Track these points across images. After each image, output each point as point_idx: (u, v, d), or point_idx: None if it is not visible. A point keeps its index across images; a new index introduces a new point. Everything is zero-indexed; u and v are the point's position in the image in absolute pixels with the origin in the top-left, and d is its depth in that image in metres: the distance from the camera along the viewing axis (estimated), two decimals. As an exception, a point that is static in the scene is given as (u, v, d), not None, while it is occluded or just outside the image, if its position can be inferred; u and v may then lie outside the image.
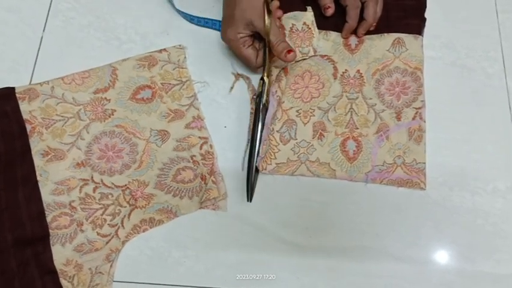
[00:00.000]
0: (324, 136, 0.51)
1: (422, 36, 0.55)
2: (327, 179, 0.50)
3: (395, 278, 0.47)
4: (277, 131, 0.51)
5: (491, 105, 0.54)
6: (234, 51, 0.52)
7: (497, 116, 0.53)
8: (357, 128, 0.51)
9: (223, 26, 0.51)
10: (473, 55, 0.56)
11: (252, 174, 0.48)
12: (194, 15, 0.55)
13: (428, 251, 0.48)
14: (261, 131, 0.50)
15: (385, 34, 0.54)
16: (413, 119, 0.51)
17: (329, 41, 0.54)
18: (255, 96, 0.52)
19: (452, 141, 0.52)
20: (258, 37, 0.51)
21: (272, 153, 0.50)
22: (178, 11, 0.56)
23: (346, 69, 0.53)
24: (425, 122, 0.51)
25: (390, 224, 0.48)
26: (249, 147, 0.50)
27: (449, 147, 0.52)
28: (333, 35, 0.55)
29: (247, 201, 0.48)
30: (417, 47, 0.54)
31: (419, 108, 0.52)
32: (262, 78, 0.51)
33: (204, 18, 0.55)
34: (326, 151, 0.50)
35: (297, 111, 0.52)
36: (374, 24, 0.54)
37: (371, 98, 0.52)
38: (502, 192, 0.50)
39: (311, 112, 0.52)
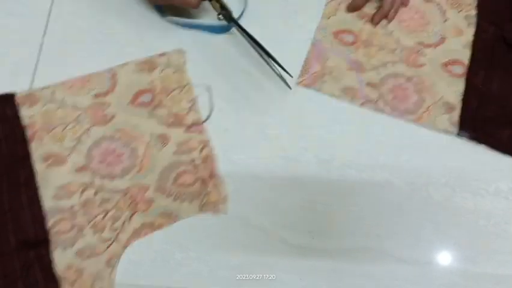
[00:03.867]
0: None
1: None
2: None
3: (398, 280, 0.46)
4: None
5: (491, 106, 0.54)
6: (168, 2, 0.53)
7: (498, 116, 0.53)
8: None
9: None
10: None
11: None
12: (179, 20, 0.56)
13: (430, 252, 0.47)
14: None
15: None
16: None
17: None
18: (220, 16, 0.54)
19: (453, 142, 0.52)
20: None
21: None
22: (165, 17, 0.56)
23: None
24: None
25: (392, 225, 0.48)
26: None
27: (451, 148, 0.52)
28: None
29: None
30: None
31: None
32: None
33: (188, 22, 0.55)
34: None
35: None
36: (393, 13, 0.57)
37: None
38: (505, 193, 0.50)
39: None
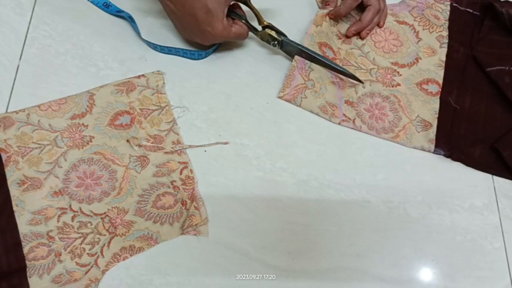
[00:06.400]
0: None
1: None
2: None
3: (378, 299, 0.47)
4: None
5: (465, 123, 0.55)
6: (223, 40, 0.53)
7: (472, 133, 0.55)
8: None
9: (200, 28, 0.50)
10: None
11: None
12: (157, 44, 0.55)
13: (409, 270, 0.48)
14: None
15: None
16: None
17: None
18: (275, 43, 0.55)
19: (428, 159, 0.53)
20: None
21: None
22: (144, 40, 0.56)
23: None
24: None
25: (372, 244, 0.49)
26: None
27: (426, 165, 0.53)
28: None
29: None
30: None
31: None
32: (264, 28, 0.54)
33: (167, 46, 0.55)
34: None
35: None
36: (367, 31, 0.58)
37: None
38: (479, 209, 0.51)
39: None
